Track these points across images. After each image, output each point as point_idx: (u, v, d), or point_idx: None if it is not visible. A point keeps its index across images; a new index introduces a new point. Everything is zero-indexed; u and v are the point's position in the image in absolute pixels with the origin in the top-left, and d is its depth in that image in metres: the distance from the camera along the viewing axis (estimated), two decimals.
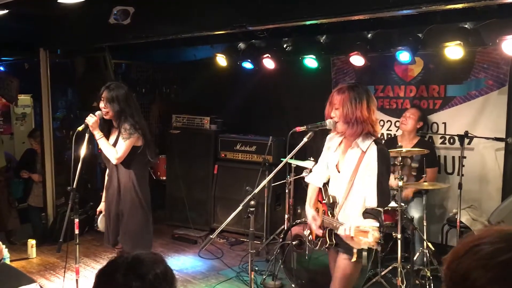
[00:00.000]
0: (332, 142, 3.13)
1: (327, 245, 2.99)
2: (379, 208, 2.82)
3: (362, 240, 2.59)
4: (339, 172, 3.01)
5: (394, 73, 5.75)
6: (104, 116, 3.78)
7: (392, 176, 4.88)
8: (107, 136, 3.83)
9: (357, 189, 2.89)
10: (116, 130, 3.86)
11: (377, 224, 2.65)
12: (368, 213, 2.80)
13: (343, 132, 2.97)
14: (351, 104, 2.87)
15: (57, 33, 5.92)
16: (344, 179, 2.96)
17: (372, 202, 2.82)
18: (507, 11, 4.06)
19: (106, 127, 3.86)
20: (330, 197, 3.00)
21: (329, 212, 2.98)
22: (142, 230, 3.91)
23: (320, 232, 3.03)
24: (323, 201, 3.05)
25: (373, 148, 2.87)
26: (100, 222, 4.03)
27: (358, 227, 2.63)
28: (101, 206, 4.05)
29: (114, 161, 3.74)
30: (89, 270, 5.28)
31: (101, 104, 3.78)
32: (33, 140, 6.48)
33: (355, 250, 2.84)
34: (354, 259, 2.86)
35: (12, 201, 6.31)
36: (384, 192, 2.86)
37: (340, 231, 2.77)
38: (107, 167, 3.99)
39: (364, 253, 2.87)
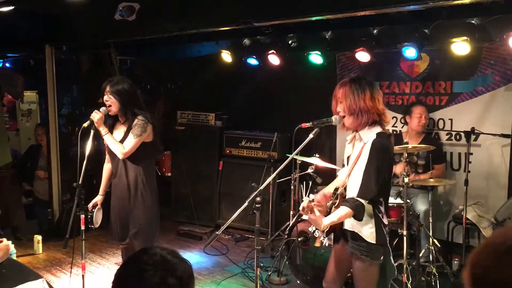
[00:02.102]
0: (348, 135, 3.14)
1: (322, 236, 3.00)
2: (358, 198, 2.79)
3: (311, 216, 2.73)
4: (347, 164, 3.05)
5: (400, 69, 5.72)
6: (108, 112, 3.76)
7: (398, 167, 4.86)
8: (111, 131, 3.82)
9: (354, 178, 2.92)
10: (121, 125, 3.85)
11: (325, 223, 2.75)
12: (346, 201, 2.82)
13: (350, 126, 2.97)
14: (353, 95, 2.88)
15: (63, 29, 5.93)
16: (348, 169, 3.00)
17: (354, 192, 2.85)
18: None
19: (111, 122, 3.84)
20: (336, 188, 3.01)
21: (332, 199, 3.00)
22: (152, 225, 3.91)
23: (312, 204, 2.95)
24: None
25: (371, 140, 2.87)
26: (96, 218, 3.87)
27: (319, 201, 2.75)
28: (97, 199, 3.97)
29: (120, 156, 3.73)
30: (95, 266, 5.31)
31: (105, 98, 3.76)
32: (40, 130, 6.49)
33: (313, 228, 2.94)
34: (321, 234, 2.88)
35: (20, 197, 6.34)
36: (367, 183, 2.81)
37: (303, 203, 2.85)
38: (111, 162, 3.96)
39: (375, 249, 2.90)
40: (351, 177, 2.95)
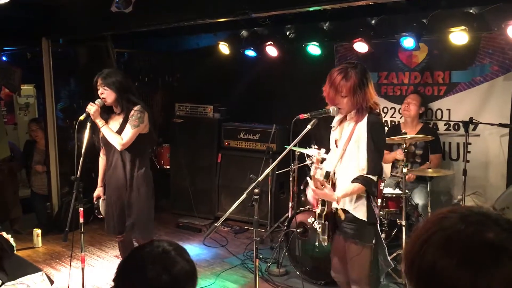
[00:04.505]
0: (334, 121, 3.15)
1: (323, 213, 3.02)
2: (369, 176, 2.84)
3: (316, 167, 2.71)
4: (337, 147, 3.05)
5: (398, 60, 5.70)
6: (104, 104, 3.75)
7: (396, 153, 4.87)
8: (107, 123, 3.81)
9: (348, 158, 2.93)
10: (117, 116, 3.83)
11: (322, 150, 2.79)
12: (356, 179, 2.84)
13: (349, 116, 2.97)
14: (360, 91, 2.87)
15: (59, 22, 5.89)
16: (338, 150, 3.00)
17: (363, 169, 2.86)
18: None
19: (105, 114, 3.83)
20: (325, 170, 3.01)
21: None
22: (148, 217, 3.92)
23: (311, 195, 3.08)
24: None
25: (365, 119, 2.90)
26: (102, 208, 4.02)
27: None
28: (99, 191, 4.04)
29: (119, 147, 3.72)
30: (95, 259, 5.32)
31: (100, 90, 3.75)
32: (34, 126, 6.47)
33: (338, 206, 2.95)
34: (343, 217, 2.94)
35: (17, 191, 6.34)
36: (374, 159, 2.86)
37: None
38: (106, 154, 3.95)
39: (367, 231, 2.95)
40: (345, 157, 2.94)
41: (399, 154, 4.77)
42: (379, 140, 2.90)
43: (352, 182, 2.85)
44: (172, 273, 1.41)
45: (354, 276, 3.04)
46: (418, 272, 1.00)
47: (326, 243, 3.10)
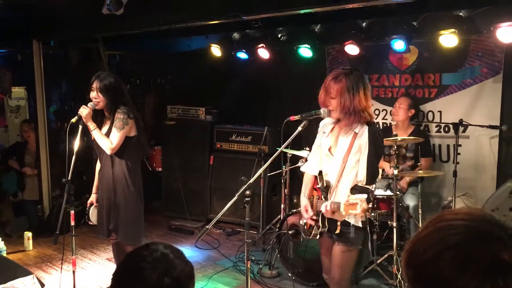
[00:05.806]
0: (325, 126, 3.17)
1: (319, 230, 3.03)
2: (367, 186, 2.89)
3: (352, 212, 2.68)
4: (332, 155, 3.06)
5: (389, 62, 5.74)
6: (95, 107, 3.76)
7: (387, 165, 4.92)
8: (99, 127, 3.81)
9: (349, 170, 2.95)
10: (108, 121, 3.84)
11: (365, 196, 2.72)
12: (355, 189, 2.89)
13: (342, 122, 2.99)
14: (348, 94, 2.88)
15: (50, 24, 5.87)
16: (337, 161, 3.01)
17: (362, 181, 2.91)
18: None
19: (99, 118, 3.84)
20: (324, 181, 3.04)
21: (322, 196, 3.04)
22: (135, 220, 3.91)
23: (311, 222, 3.09)
24: (318, 186, 3.09)
25: (365, 129, 2.93)
26: (92, 215, 3.99)
27: (347, 201, 2.70)
28: (92, 198, 4.03)
29: (108, 151, 3.73)
30: (86, 262, 5.29)
31: (92, 94, 3.76)
32: (27, 127, 6.44)
33: (338, 223, 2.95)
34: (337, 231, 2.95)
35: (5, 192, 6.29)
36: (373, 171, 2.93)
37: (322, 208, 2.88)
38: (98, 158, 3.96)
39: (353, 235, 2.97)
40: (347, 167, 2.96)
41: (389, 169, 4.82)
42: (379, 151, 2.98)
43: (352, 193, 2.87)
44: (174, 275, 1.41)
45: (337, 276, 3.08)
46: (420, 276, 1.02)
47: (311, 237, 3.14)
